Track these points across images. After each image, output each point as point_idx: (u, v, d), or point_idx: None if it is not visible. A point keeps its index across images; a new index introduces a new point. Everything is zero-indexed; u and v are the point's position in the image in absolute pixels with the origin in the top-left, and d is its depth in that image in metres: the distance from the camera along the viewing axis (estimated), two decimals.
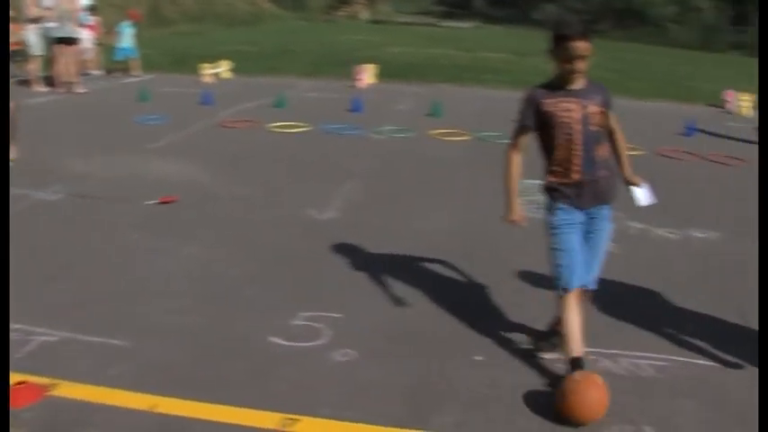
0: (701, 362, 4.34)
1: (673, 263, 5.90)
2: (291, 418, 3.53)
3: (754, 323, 4.89)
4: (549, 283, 5.29)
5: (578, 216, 4.12)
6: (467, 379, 4.01)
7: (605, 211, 4.16)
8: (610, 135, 4.20)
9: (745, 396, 3.95)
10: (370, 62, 16.98)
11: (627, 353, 4.38)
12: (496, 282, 5.41)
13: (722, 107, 15.81)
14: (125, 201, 7.13)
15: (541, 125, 4.04)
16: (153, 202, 7.06)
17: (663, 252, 5.94)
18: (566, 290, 4.05)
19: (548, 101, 3.97)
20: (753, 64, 27.43)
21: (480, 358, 4.25)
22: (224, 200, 7.24)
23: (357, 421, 3.54)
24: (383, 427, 3.51)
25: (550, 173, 4.16)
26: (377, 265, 5.62)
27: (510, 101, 13.46)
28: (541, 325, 4.63)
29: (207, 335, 4.43)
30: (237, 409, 3.59)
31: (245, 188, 7.63)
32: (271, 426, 3.47)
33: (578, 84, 3.95)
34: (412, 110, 12.75)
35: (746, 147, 10.89)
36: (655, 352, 4.42)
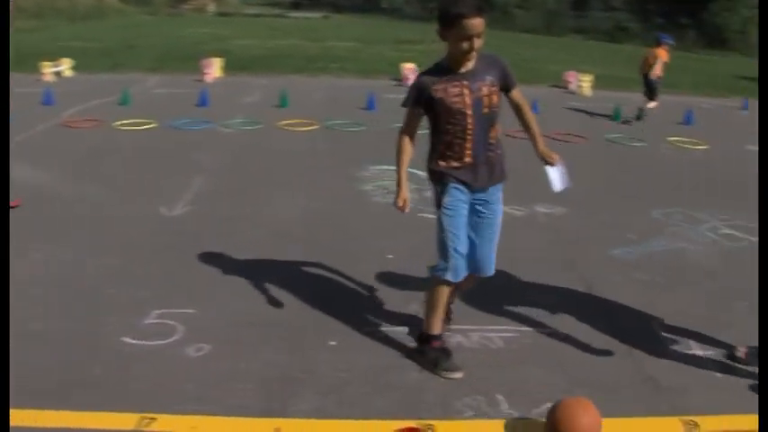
0: (546, 330, 4.65)
1: (519, 238, 6.15)
2: (149, 418, 3.54)
3: (597, 290, 5.28)
4: (396, 265, 5.57)
5: (469, 198, 4.04)
6: (322, 364, 4.13)
7: (498, 193, 4.11)
8: (517, 110, 4.15)
9: (583, 358, 4.29)
10: (218, 55, 16.88)
11: (477, 327, 4.63)
12: (346, 267, 5.59)
13: (565, 87, 16.58)
14: None
15: (432, 110, 3.92)
16: None
17: (510, 229, 6.30)
18: (448, 281, 4.05)
19: (438, 87, 3.84)
20: (594, 47, 28.70)
21: (334, 343, 4.39)
22: (70, 201, 7.13)
23: (215, 414, 3.60)
24: (241, 418, 3.58)
25: (441, 156, 4.02)
26: (228, 258, 5.72)
27: (356, 88, 13.88)
28: (392, 307, 4.86)
29: (58, 340, 4.38)
30: (94, 414, 3.57)
31: (92, 188, 7.54)
32: (128, 427, 3.46)
33: (470, 64, 3.83)
34: (260, 102, 12.82)
35: (587, 124, 11.50)
36: (503, 324, 4.70)
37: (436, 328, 4.20)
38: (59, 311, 4.77)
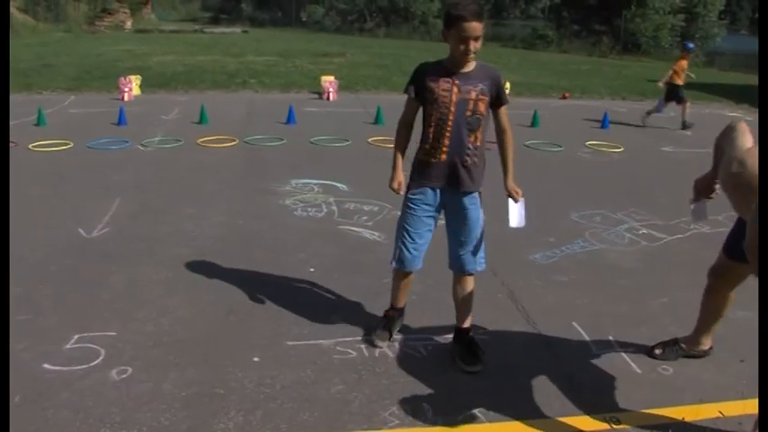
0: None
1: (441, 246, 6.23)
2: None
3: (519, 294, 5.36)
4: (317, 277, 5.59)
5: (434, 198, 4.31)
6: (246, 380, 4.15)
7: (473, 199, 4.30)
8: (499, 133, 4.37)
9: (506, 363, 4.39)
10: (135, 73, 16.69)
11: (401, 336, 4.69)
12: (268, 281, 5.63)
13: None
14: None
15: (423, 100, 4.19)
16: None
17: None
18: (397, 269, 4.53)
19: (432, 77, 4.13)
20: (510, 54, 28.79)
21: (257, 359, 4.40)
22: None
23: None
24: None
25: (421, 148, 4.28)
26: (148, 277, 5.69)
27: (276, 103, 13.85)
28: (315, 319, 4.89)
29: None
30: None
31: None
32: None
33: (468, 67, 4.13)
34: (179, 119, 12.70)
35: None
36: (426, 333, 4.81)
37: (393, 300, 4.70)
38: None
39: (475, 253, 4.39)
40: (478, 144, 4.23)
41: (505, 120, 4.33)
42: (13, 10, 37.63)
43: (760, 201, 2.82)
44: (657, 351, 4.57)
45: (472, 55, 4.04)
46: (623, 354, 4.60)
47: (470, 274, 4.46)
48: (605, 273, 6.07)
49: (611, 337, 4.81)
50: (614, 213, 7.69)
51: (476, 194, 4.31)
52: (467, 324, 4.54)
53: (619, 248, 6.69)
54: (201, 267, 5.88)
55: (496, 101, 4.22)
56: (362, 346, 4.59)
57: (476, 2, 3.99)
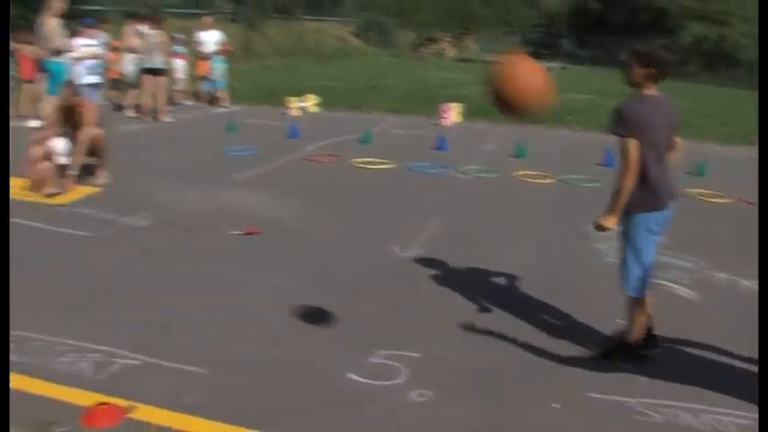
0: None
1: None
2: None
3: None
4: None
5: (662, 219, 4.59)
6: (543, 428, 3.98)
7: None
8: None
9: None
10: (456, 100, 17.01)
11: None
12: (572, 327, 5.38)
13: None
14: (211, 230, 7.29)
15: (639, 135, 4.37)
16: (238, 232, 7.20)
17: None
18: (638, 295, 4.68)
19: (648, 115, 4.40)
20: None
21: (557, 406, 4.21)
22: (308, 234, 7.35)
23: None
24: None
25: (648, 175, 4.43)
26: (458, 304, 5.64)
27: (593, 143, 13.48)
28: (621, 374, 4.59)
29: (284, 368, 4.51)
30: None
31: (328, 223, 7.73)
32: None
33: (654, 99, 4.49)
34: (497, 150, 12.72)
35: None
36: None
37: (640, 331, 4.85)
38: (285, 340, 4.91)
39: None
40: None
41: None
42: (347, 35, 40.08)
43: (760, 200, 2.91)
44: None
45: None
46: None
47: None
48: None
49: None
50: None
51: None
52: None
53: None
54: (512, 301, 5.75)
55: None
56: (666, 410, 4.22)
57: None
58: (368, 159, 10.82)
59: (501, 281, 6.22)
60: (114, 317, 5.26)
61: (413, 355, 4.70)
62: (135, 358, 4.61)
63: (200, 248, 6.82)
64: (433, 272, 6.34)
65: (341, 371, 4.45)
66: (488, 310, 5.55)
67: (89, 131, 8.93)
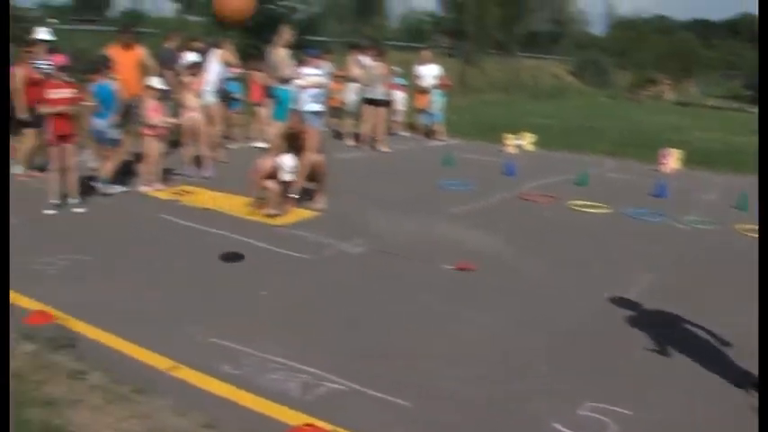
0: None
1: None
2: None
3: None
4: None
5: None
6: None
7: None
8: None
9: None
10: (676, 146, 16.43)
11: None
12: None
13: None
14: (422, 262, 7.40)
15: None
16: (450, 266, 7.25)
17: None
18: None
19: None
20: None
21: None
22: (520, 273, 7.31)
23: None
24: None
25: None
26: (675, 362, 5.41)
27: None
28: None
29: (490, 408, 4.50)
30: None
31: (542, 264, 7.65)
32: None
33: None
34: (718, 200, 12.15)
35: None
36: None
37: None
38: (492, 379, 4.91)
39: None
40: None
41: None
42: (564, 73, 39.75)
43: (760, 200, 2.73)
44: None
45: None
46: None
47: None
48: None
49: None
50: None
51: None
52: None
53: None
54: (730, 369, 5.40)
55: None
56: None
57: None
58: (584, 202, 10.63)
59: (721, 345, 5.88)
60: (324, 340, 5.45)
61: (624, 411, 4.56)
62: (342, 383, 4.74)
63: (412, 279, 6.93)
64: (649, 325, 6.09)
65: (547, 418, 4.39)
66: (709, 371, 5.28)
67: (311, 157, 9.30)
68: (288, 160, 9.00)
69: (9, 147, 4.81)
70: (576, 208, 10.31)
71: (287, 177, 8.96)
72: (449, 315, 6.07)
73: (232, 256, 7.44)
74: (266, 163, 9.03)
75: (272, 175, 8.98)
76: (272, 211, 8.90)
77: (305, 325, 5.76)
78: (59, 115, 9.02)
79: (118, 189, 10.05)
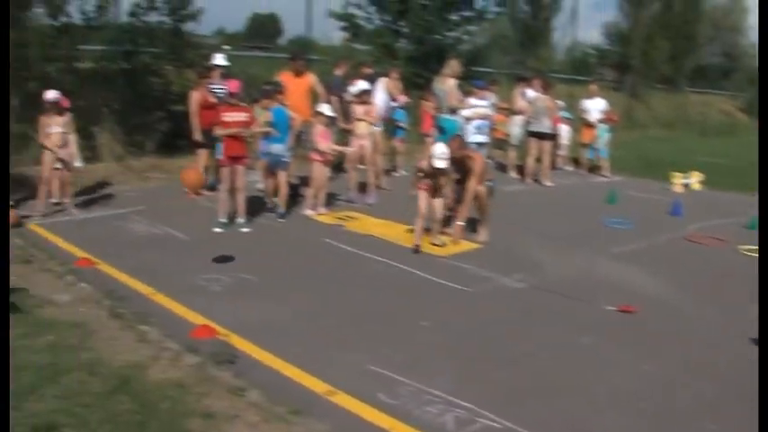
0: None
1: None
2: None
3: None
4: None
5: None
6: None
7: None
8: None
9: None
10: None
11: None
12: None
13: None
14: (582, 301, 7.30)
15: None
16: (612, 307, 7.12)
17: None
18: None
19: None
20: None
21: None
22: (684, 318, 7.11)
23: None
24: None
25: None
26: None
27: None
28: None
29: None
30: None
31: (707, 309, 7.42)
32: None
33: None
34: None
35: None
36: None
37: None
38: (643, 428, 4.84)
39: None
40: None
41: None
42: (734, 109, 38.29)
43: (760, 200, 1.81)
44: None
45: None
46: None
47: None
48: None
49: None
50: None
51: None
52: None
53: None
54: None
55: None
56: None
57: None
58: (755, 247, 10.20)
59: None
60: (482, 375, 5.47)
61: None
62: (497, 421, 4.76)
63: (572, 319, 6.86)
64: None
65: None
66: None
67: (475, 186, 9.30)
68: (438, 147, 8.98)
69: (9, 147, 5.04)
70: (747, 253, 9.90)
71: (439, 164, 8.85)
72: (610, 358, 5.97)
73: (222, 259, 8.11)
74: (424, 196, 9.03)
75: (431, 207, 9.02)
76: (436, 242, 9.00)
77: (463, 359, 5.79)
78: (232, 137, 9.46)
79: (282, 212, 10.39)
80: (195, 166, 11.94)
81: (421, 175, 8.99)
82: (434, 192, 9.02)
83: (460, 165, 9.32)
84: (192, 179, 11.48)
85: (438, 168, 8.77)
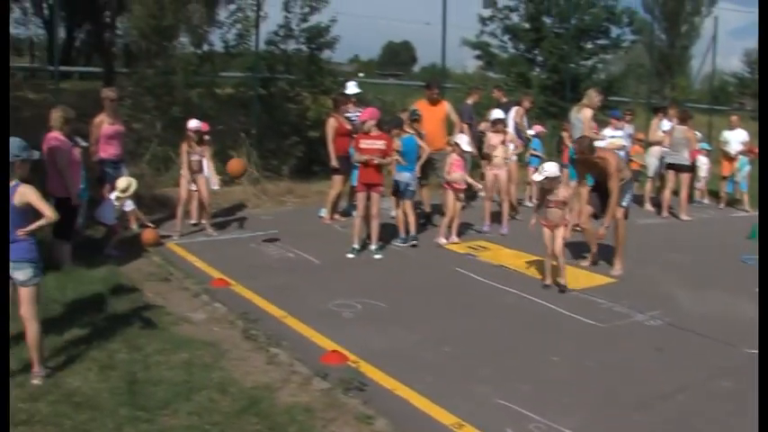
0: None
1: None
2: None
3: None
4: None
5: None
6: None
7: None
8: None
9: None
10: None
11: None
12: None
13: None
14: (723, 343, 7.05)
15: None
16: (753, 351, 6.83)
17: None
18: None
19: None
20: None
21: None
22: None
23: None
24: None
25: None
26: None
27: None
28: None
29: None
30: None
31: None
32: None
33: None
34: None
35: None
36: None
37: None
38: None
39: None
40: None
41: None
42: None
43: (760, 199, 2.35)
44: None
45: None
46: None
47: None
48: None
49: None
50: None
51: None
52: None
53: None
54: None
55: None
56: None
57: None
58: None
59: None
60: (612, 416, 5.42)
61: None
62: None
63: (711, 361, 6.63)
64: None
65: None
66: None
67: (617, 185, 8.96)
68: (550, 166, 8.69)
69: (9, 146, 5.16)
70: None
71: (544, 176, 8.53)
72: (753, 404, 5.73)
73: (269, 239, 8.93)
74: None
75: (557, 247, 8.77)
76: (562, 281, 8.59)
77: (594, 398, 5.69)
78: (369, 164, 9.59)
79: (415, 240, 10.45)
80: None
81: (538, 209, 8.85)
82: (555, 226, 8.66)
83: (592, 169, 9.13)
84: (235, 167, 11.47)
85: (549, 179, 8.51)
